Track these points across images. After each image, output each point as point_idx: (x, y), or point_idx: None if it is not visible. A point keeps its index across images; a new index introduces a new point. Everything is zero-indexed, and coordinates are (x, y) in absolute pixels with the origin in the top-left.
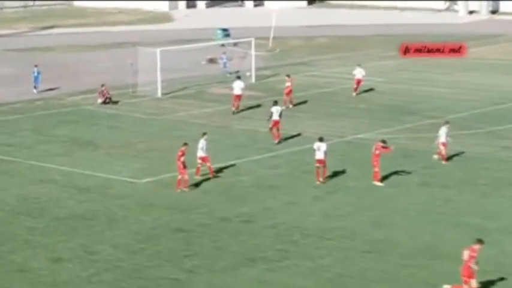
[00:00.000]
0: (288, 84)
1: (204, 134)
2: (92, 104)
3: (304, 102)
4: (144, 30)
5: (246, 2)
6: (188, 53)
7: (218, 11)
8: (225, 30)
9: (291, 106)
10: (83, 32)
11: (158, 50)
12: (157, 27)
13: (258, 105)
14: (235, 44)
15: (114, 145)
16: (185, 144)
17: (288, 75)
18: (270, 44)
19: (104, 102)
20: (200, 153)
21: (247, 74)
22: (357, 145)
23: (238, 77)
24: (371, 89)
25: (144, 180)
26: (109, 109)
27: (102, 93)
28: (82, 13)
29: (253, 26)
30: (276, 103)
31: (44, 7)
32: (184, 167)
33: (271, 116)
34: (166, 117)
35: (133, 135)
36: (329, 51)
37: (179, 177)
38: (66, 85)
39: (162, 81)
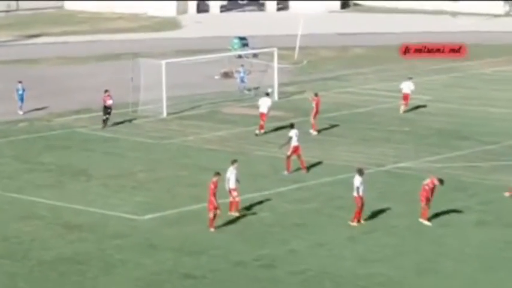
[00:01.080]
0: (313, 105)
1: (234, 161)
2: (85, 126)
3: (337, 124)
4: (147, 38)
5: (267, 5)
6: (199, 66)
7: (234, 16)
8: (242, 38)
9: (314, 132)
10: (75, 41)
11: (163, 62)
12: (162, 35)
13: (281, 128)
14: (254, 55)
15: (111, 175)
16: (217, 174)
17: (316, 94)
18: (296, 55)
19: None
20: (231, 185)
21: (269, 90)
22: (399, 176)
23: (267, 94)
24: (417, 108)
25: (146, 217)
26: (105, 132)
27: (103, 101)
28: (74, 19)
29: (276, 33)
30: (292, 126)
31: (29, 12)
32: (217, 203)
33: (289, 141)
34: (173, 141)
35: (134, 162)
36: (366, 63)
37: (210, 215)
38: (55, 104)
39: (168, 99)
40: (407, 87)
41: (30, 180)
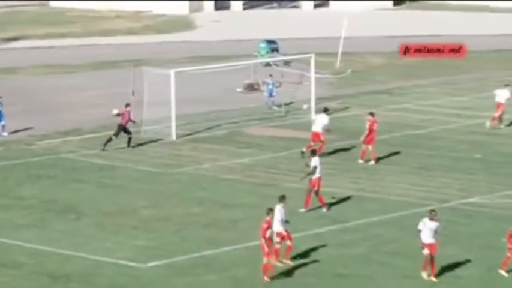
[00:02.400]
0: (366, 127)
1: (282, 198)
2: (74, 151)
3: (389, 150)
4: (152, 42)
5: (302, 1)
6: (217, 77)
7: (261, 14)
8: (271, 42)
9: (372, 162)
10: (62, 45)
11: (172, 72)
12: (171, 37)
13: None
14: (286, 63)
15: (106, 212)
16: (270, 210)
17: (372, 114)
18: (338, 63)
19: (124, 131)
20: (278, 228)
21: (304, 106)
22: (467, 214)
23: (325, 110)
24: (490, 132)
25: (150, 265)
26: (100, 159)
27: (123, 118)
28: (62, 18)
29: (313, 36)
30: (314, 153)
31: (6, 9)
32: (270, 246)
33: (312, 172)
34: (184, 170)
35: (136, 197)
36: (425, 73)
37: (264, 261)
38: (38, 123)
39: (178, 118)
40: (503, 95)
41: (6, 219)
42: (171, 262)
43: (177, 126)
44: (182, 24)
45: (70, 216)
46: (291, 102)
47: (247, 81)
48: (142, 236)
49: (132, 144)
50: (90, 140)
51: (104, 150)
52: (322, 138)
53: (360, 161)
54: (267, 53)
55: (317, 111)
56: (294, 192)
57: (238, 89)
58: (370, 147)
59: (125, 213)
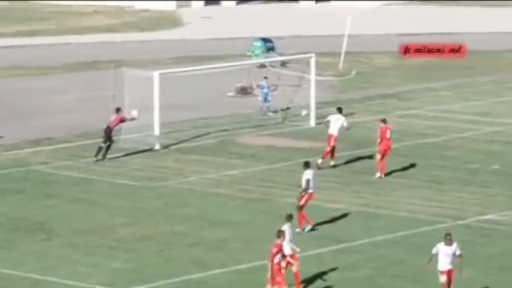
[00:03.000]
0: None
1: (290, 217)
2: (46, 163)
3: (399, 161)
4: (133, 40)
5: None
6: (206, 79)
7: (256, 9)
8: (267, 41)
9: (382, 176)
10: (34, 44)
11: (157, 74)
12: (155, 35)
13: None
14: (283, 64)
15: (80, 231)
16: (281, 233)
17: (384, 121)
18: (342, 64)
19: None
20: (287, 249)
21: (303, 112)
22: (484, 232)
23: (339, 109)
24: (509, 138)
25: None
26: (74, 171)
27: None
28: (34, 14)
29: (313, 33)
30: (307, 165)
31: None
32: (282, 273)
33: (306, 188)
34: (168, 184)
35: (114, 214)
36: (437, 75)
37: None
38: (6, 131)
39: (163, 125)
40: None
41: None
42: (152, 287)
43: (161, 135)
44: (168, 20)
45: (40, 236)
46: (288, 108)
47: (239, 84)
48: (120, 257)
49: (107, 155)
50: (64, 150)
51: (97, 161)
52: (334, 142)
53: (378, 174)
54: (262, 52)
55: (331, 113)
56: (291, 209)
57: (229, 93)
58: (378, 156)
59: (101, 232)
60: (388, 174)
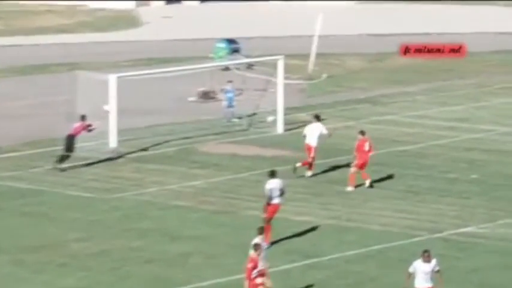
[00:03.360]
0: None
1: (262, 230)
2: None
3: (371, 167)
4: (89, 42)
5: None
6: (166, 83)
7: (220, 8)
8: (231, 42)
9: (350, 188)
10: None
11: (114, 77)
12: (112, 36)
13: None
14: (249, 67)
15: (28, 246)
16: (258, 245)
17: (362, 132)
18: (311, 66)
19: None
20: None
21: (270, 119)
22: (463, 246)
23: (317, 117)
24: (489, 145)
25: None
26: (22, 182)
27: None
28: None
29: (281, 34)
30: (273, 174)
31: None
32: None
33: (268, 198)
34: (125, 195)
35: (65, 227)
36: (413, 78)
37: None
38: None
39: (120, 133)
40: None
41: None
42: None
43: (118, 143)
44: (125, 20)
45: None
46: (254, 114)
47: (202, 89)
48: (73, 275)
49: (63, 165)
50: (11, 160)
51: (62, 170)
52: (313, 154)
53: (350, 188)
54: (226, 54)
55: (308, 122)
56: (257, 222)
57: (191, 98)
58: (353, 169)
59: (52, 247)
60: (359, 185)
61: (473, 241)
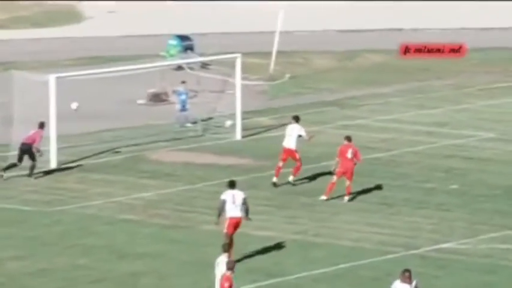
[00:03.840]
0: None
1: (225, 247)
2: None
3: (340, 179)
4: (26, 38)
5: None
6: (112, 84)
7: (172, 2)
8: (184, 38)
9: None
10: None
11: (53, 78)
12: (51, 32)
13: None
14: (204, 66)
15: None
16: (234, 263)
17: (348, 138)
18: (273, 66)
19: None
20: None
21: (228, 123)
22: (442, 264)
23: (297, 118)
24: (470, 152)
25: None
26: None
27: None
28: None
29: (239, 30)
30: (233, 185)
31: None
32: None
33: (219, 209)
34: (67, 208)
35: (1, 245)
36: (386, 79)
37: None
38: None
39: (61, 139)
40: None
41: None
42: None
43: (59, 150)
44: (66, 15)
45: None
46: (210, 118)
47: (152, 90)
48: None
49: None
50: None
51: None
52: (297, 156)
53: (324, 197)
54: (179, 52)
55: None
56: (215, 237)
57: (140, 101)
58: (334, 178)
59: None
60: (315, 189)
61: (453, 258)
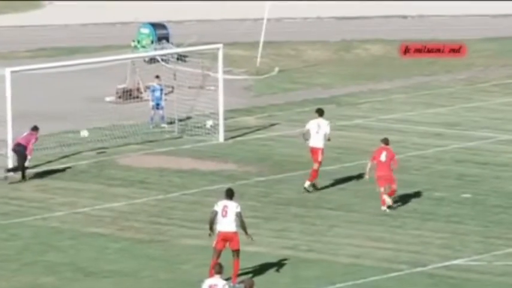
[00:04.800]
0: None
1: (219, 269)
2: None
3: (336, 185)
4: None
5: None
6: (76, 79)
7: None
8: (157, 27)
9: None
10: None
11: (8, 72)
12: (5, 20)
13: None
14: (180, 58)
15: None
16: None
17: (384, 140)
18: (259, 58)
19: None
20: None
21: (208, 123)
22: (453, 283)
23: (320, 111)
24: (483, 157)
25: None
26: None
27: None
28: None
29: (221, 17)
30: (228, 194)
31: None
32: None
33: (211, 223)
34: (26, 221)
35: None
36: (388, 73)
37: None
38: None
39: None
40: None
41: None
42: None
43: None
44: (23, 2)
45: None
46: (188, 118)
47: (122, 86)
48: None
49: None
50: None
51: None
52: (320, 157)
53: (383, 207)
54: (152, 43)
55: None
56: (192, 253)
57: (108, 98)
58: (381, 189)
59: None
60: (308, 198)
61: (465, 276)
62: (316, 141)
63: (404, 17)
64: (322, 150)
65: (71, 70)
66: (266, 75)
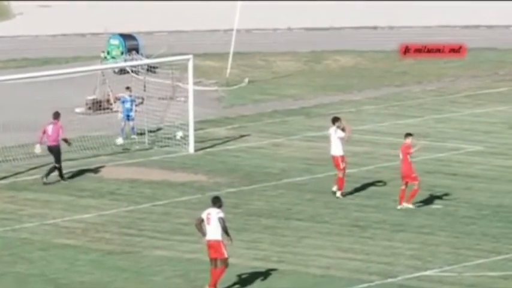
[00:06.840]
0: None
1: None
2: None
3: (306, 196)
4: None
5: None
6: (45, 90)
7: None
8: (128, 38)
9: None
10: None
11: None
12: None
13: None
14: (150, 69)
15: None
16: None
17: (408, 135)
18: (229, 69)
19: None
20: None
21: (179, 135)
22: None
23: (333, 120)
24: (455, 168)
25: None
26: None
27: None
28: None
29: (191, 28)
30: (213, 202)
31: None
32: None
33: (198, 230)
34: None
35: None
36: (358, 84)
37: None
38: None
39: None
40: None
41: None
42: None
43: None
44: None
45: None
46: (158, 129)
47: (91, 97)
48: None
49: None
50: None
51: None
52: (341, 165)
53: (400, 206)
54: (122, 54)
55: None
56: (163, 264)
57: (78, 109)
58: (403, 186)
59: None
60: (279, 209)
61: (435, 287)
62: (334, 149)
63: (375, 28)
64: (342, 157)
65: (40, 81)
66: (236, 86)
